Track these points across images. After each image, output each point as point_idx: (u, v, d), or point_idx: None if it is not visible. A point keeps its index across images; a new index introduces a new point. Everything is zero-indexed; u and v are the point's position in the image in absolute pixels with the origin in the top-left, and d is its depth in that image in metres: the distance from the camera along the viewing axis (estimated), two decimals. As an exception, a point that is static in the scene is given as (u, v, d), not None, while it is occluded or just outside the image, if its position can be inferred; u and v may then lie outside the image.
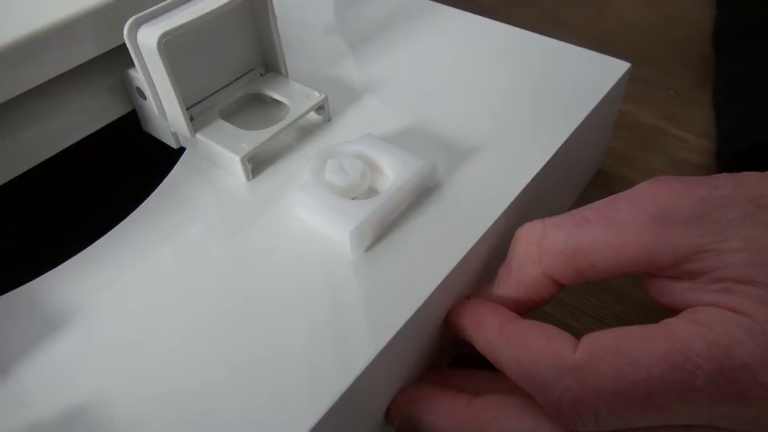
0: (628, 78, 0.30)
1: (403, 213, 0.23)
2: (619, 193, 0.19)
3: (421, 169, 0.23)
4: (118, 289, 0.21)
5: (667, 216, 0.17)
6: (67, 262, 0.22)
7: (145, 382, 0.18)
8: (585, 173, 0.33)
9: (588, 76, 0.29)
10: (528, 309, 0.21)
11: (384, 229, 0.22)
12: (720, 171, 0.23)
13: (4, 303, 0.20)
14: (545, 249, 0.19)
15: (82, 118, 0.25)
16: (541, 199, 0.26)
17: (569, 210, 0.20)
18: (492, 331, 0.19)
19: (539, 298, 0.20)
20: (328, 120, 0.27)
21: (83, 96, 0.25)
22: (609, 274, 0.18)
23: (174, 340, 0.19)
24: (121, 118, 0.27)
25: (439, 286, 0.20)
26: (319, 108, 0.26)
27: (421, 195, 0.23)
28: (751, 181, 0.18)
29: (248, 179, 0.24)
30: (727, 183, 0.18)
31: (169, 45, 0.22)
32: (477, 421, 0.19)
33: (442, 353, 0.24)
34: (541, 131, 0.26)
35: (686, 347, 0.16)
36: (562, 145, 0.25)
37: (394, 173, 0.23)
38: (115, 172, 0.28)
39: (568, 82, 0.28)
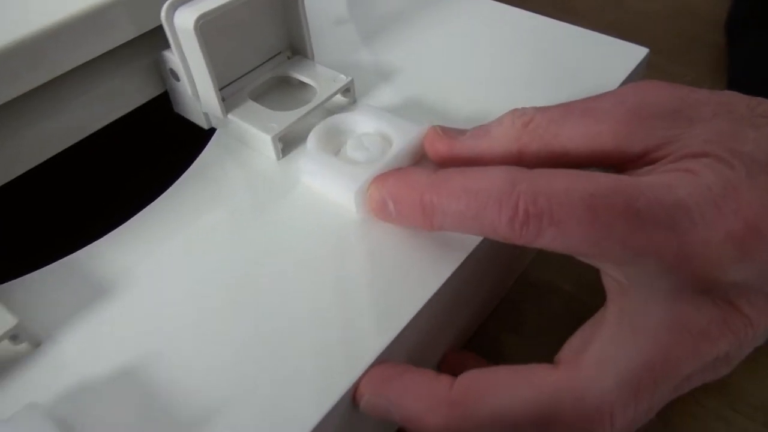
0: (645, 64, 0.30)
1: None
2: (607, 91, 0.20)
3: (419, 133, 0.23)
4: (157, 258, 0.22)
5: (642, 109, 0.19)
6: (109, 234, 0.23)
7: (183, 343, 0.19)
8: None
9: (607, 61, 0.29)
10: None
11: None
12: None
13: (53, 271, 0.21)
14: (528, 130, 0.20)
15: (116, 100, 0.26)
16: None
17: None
18: (421, 182, 0.20)
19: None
20: (353, 102, 0.28)
21: (117, 78, 0.26)
22: (579, 162, 0.19)
23: (209, 303, 0.20)
24: (152, 100, 0.27)
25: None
26: (345, 91, 0.27)
27: (421, 160, 0.24)
28: (728, 94, 0.19)
29: (278, 158, 0.25)
30: (704, 91, 0.19)
31: (204, 27, 0.23)
32: (463, 402, 0.18)
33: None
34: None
35: (633, 180, 0.17)
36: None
37: (395, 139, 0.24)
38: (149, 151, 0.29)
39: (587, 68, 0.29)
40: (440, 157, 0.22)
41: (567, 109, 0.20)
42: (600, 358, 0.18)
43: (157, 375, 0.19)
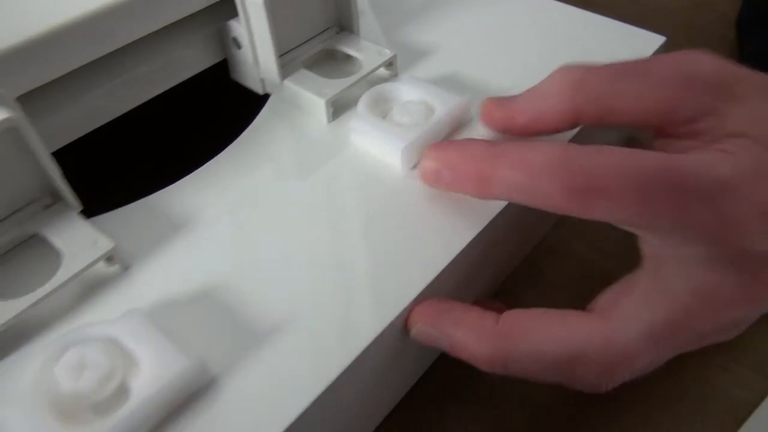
0: (663, 51, 0.33)
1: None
2: (653, 56, 0.22)
3: (459, 102, 0.26)
4: (225, 201, 0.25)
5: (692, 79, 0.20)
6: (180, 181, 0.26)
7: (251, 270, 0.22)
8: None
9: (624, 48, 0.32)
10: (531, 132, 0.23)
11: None
12: None
13: (134, 209, 0.24)
14: (581, 88, 0.21)
15: (180, 65, 0.29)
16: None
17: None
18: (480, 152, 0.21)
19: (553, 127, 0.22)
20: (395, 75, 0.30)
21: (182, 46, 0.29)
22: (627, 122, 0.21)
23: (272, 238, 0.23)
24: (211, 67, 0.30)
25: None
26: (389, 64, 0.30)
27: (459, 128, 0.27)
28: (766, 75, 0.21)
29: (329, 121, 0.28)
30: (747, 70, 0.20)
31: (270, 1, 0.26)
32: (507, 337, 0.20)
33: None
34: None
35: (680, 159, 0.19)
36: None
37: (437, 107, 0.27)
38: (209, 113, 0.32)
39: (604, 54, 0.32)
40: (499, 125, 0.23)
41: (619, 70, 0.21)
42: (630, 313, 0.20)
43: (231, 295, 0.21)
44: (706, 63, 0.20)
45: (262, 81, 0.30)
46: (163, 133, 0.32)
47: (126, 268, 0.22)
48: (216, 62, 0.30)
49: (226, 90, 0.31)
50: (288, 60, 0.29)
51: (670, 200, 0.18)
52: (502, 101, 0.23)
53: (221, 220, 0.24)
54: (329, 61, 0.32)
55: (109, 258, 0.21)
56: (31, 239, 0.22)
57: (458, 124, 0.27)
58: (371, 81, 0.30)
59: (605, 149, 0.19)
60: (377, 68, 0.29)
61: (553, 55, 0.32)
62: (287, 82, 0.28)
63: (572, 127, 0.22)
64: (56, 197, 0.23)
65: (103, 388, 0.18)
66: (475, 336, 0.21)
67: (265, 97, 0.30)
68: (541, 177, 0.19)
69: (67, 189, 0.22)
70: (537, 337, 0.20)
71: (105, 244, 0.21)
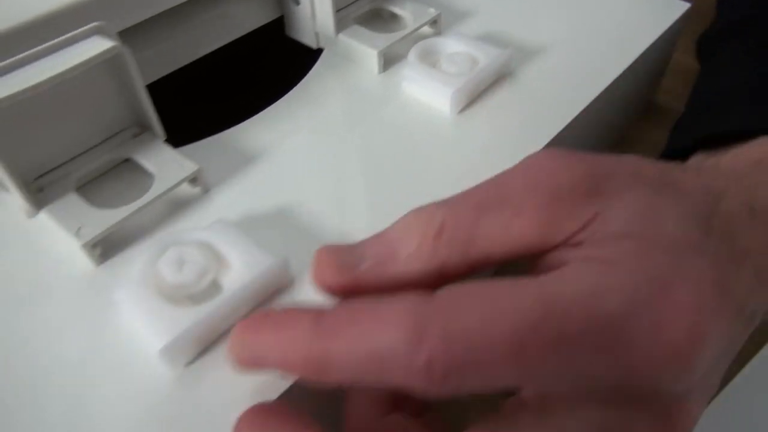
0: (687, 20, 0.35)
1: (486, 91, 0.29)
2: (510, 170, 0.18)
3: (502, 54, 0.29)
4: (290, 138, 0.27)
5: (558, 191, 0.17)
6: (248, 120, 0.28)
7: (315, 196, 0.25)
8: (634, 108, 0.39)
9: (650, 14, 0.34)
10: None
11: (475, 97, 0.29)
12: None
13: (211, 142, 0.27)
14: (443, 241, 0.17)
15: (242, 18, 0.32)
16: (594, 121, 0.32)
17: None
18: (306, 336, 0.16)
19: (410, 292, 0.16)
20: (438, 33, 0.33)
21: (242, 2, 0.31)
22: (500, 261, 0.17)
23: (332, 168, 0.26)
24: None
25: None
26: (433, 22, 0.32)
27: (500, 79, 0.30)
28: (634, 160, 0.18)
29: (380, 72, 0.31)
30: (611, 159, 0.18)
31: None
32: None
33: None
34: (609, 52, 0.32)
35: (559, 295, 0.15)
36: (631, 64, 0.31)
37: (480, 58, 0.29)
38: (266, 65, 0.35)
39: (631, 19, 0.34)
40: (337, 292, 0.18)
41: (478, 203, 0.17)
42: None
43: (300, 214, 0.24)
44: (564, 169, 0.17)
45: (317, 35, 0.32)
46: (226, 82, 0.34)
47: (206, 191, 0.25)
48: (273, 18, 0.33)
49: (282, 45, 0.34)
50: (342, 16, 0.32)
51: (555, 358, 0.15)
52: (339, 261, 0.18)
53: (286, 153, 0.27)
54: (376, 19, 0.34)
55: (194, 179, 0.24)
56: (122, 164, 0.25)
57: (499, 75, 0.29)
58: (416, 38, 0.33)
59: (461, 302, 0.15)
60: (423, 25, 0.32)
61: (585, 14, 0.34)
62: (342, 36, 0.31)
63: (435, 288, 0.16)
64: (144, 127, 0.25)
65: (200, 281, 0.20)
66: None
67: (318, 53, 0.33)
68: (391, 364, 0.15)
69: (156, 119, 0.25)
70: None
71: (190, 167, 0.24)
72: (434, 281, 0.17)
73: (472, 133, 0.27)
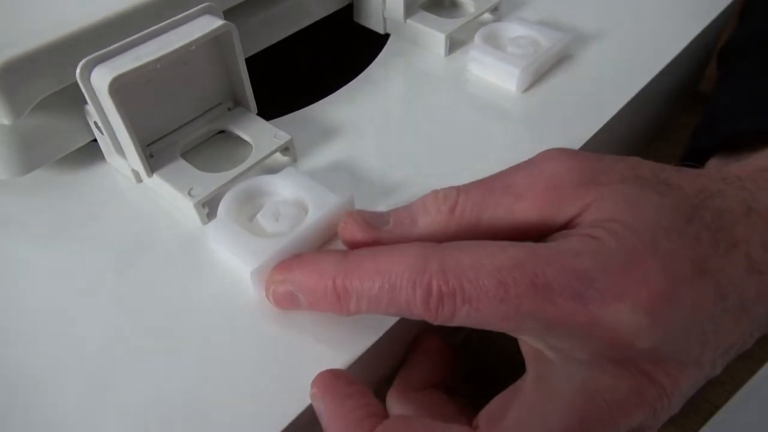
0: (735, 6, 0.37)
1: (548, 72, 0.31)
2: (518, 164, 0.20)
3: (563, 37, 0.31)
4: (363, 115, 0.30)
5: (559, 181, 0.19)
6: (326, 98, 0.30)
7: (392, 164, 0.27)
8: (680, 93, 0.40)
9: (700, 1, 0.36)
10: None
11: (538, 77, 0.31)
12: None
13: (293, 118, 0.29)
14: (456, 216, 0.20)
15: (316, 5, 0.34)
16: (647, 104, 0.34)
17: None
18: (331, 268, 0.19)
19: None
20: (498, 20, 0.35)
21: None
22: (504, 237, 0.19)
23: (400, 138, 0.28)
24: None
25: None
26: (494, 9, 0.34)
27: (560, 61, 0.31)
28: (633, 160, 0.20)
29: (446, 55, 0.33)
30: (610, 157, 0.20)
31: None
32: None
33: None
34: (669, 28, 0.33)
35: (545, 249, 0.18)
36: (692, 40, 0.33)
37: (541, 41, 0.31)
38: (336, 51, 0.37)
39: (679, 7, 0.36)
40: (359, 247, 0.20)
41: (488, 187, 0.20)
42: (517, 425, 0.18)
43: (372, 182, 0.26)
44: (567, 162, 0.19)
45: (385, 21, 0.34)
46: (301, 65, 0.36)
47: (295, 160, 0.27)
48: (343, 6, 0.35)
49: (351, 32, 0.36)
50: (409, 2, 0.34)
51: (532, 298, 0.17)
52: (367, 222, 0.21)
53: (362, 127, 0.29)
54: (438, 7, 0.36)
55: (286, 149, 0.26)
56: (217, 135, 0.27)
57: (560, 57, 0.31)
58: (477, 24, 0.35)
59: (461, 247, 0.18)
60: (485, 11, 0.34)
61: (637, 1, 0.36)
62: (410, 21, 0.33)
63: None
64: (237, 102, 0.28)
65: (293, 228, 0.22)
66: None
67: (384, 38, 0.35)
68: (399, 286, 0.18)
69: (251, 94, 0.27)
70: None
71: (283, 137, 0.26)
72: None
73: (536, 109, 0.29)
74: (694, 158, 0.29)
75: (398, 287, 0.18)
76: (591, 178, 0.19)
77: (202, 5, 0.24)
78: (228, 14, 0.28)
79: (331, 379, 0.19)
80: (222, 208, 0.23)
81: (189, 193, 0.24)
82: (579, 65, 0.32)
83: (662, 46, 0.33)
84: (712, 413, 0.25)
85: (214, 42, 0.25)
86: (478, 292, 0.17)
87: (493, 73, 0.31)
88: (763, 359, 0.26)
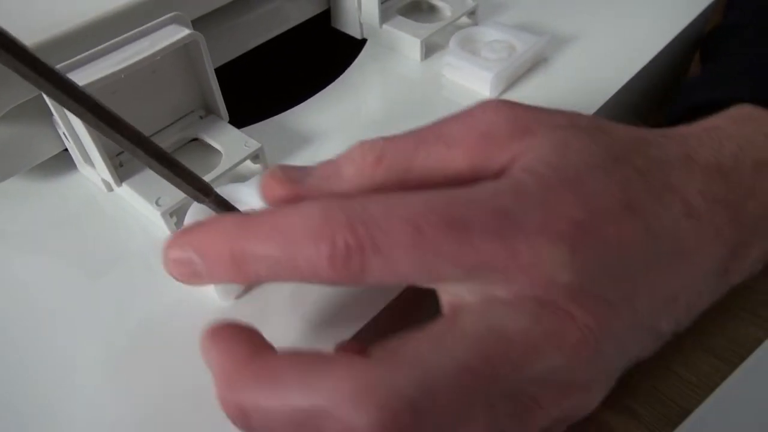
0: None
1: (523, 76, 0.31)
2: (454, 114, 0.19)
3: (539, 41, 0.31)
4: (339, 121, 0.30)
5: (492, 133, 0.18)
6: (298, 106, 0.30)
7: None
8: (662, 89, 0.40)
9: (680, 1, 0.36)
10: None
11: (513, 81, 0.30)
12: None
13: (267, 124, 0.29)
14: (383, 166, 0.18)
15: (291, 12, 0.34)
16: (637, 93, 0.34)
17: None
18: (228, 232, 0.17)
19: None
20: (476, 24, 0.35)
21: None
22: (435, 185, 0.18)
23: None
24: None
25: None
26: (471, 13, 0.34)
27: (535, 65, 0.31)
28: (570, 111, 0.20)
29: (422, 59, 0.33)
30: (547, 109, 0.19)
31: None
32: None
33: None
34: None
35: (464, 191, 0.17)
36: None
37: (518, 45, 0.31)
38: (313, 56, 0.37)
39: (657, 9, 0.36)
40: (281, 204, 0.19)
41: (418, 137, 0.19)
42: (415, 357, 0.15)
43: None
44: (500, 113, 0.19)
45: (362, 26, 0.34)
46: (277, 71, 0.36)
47: (266, 167, 0.27)
48: (320, 11, 0.35)
49: (327, 37, 0.36)
50: (386, 7, 0.34)
51: (450, 241, 0.15)
52: (288, 176, 0.19)
53: (337, 133, 0.29)
54: (415, 11, 0.36)
55: (256, 156, 0.26)
56: (191, 143, 0.28)
57: (536, 61, 0.31)
58: (454, 28, 0.35)
59: (379, 196, 0.16)
60: (461, 16, 0.34)
61: (616, 3, 0.36)
62: (386, 26, 0.33)
63: None
64: (209, 110, 0.28)
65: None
66: (221, 379, 0.16)
67: (361, 43, 0.35)
68: (299, 245, 0.16)
69: (222, 102, 0.27)
70: (276, 391, 0.15)
71: (254, 144, 0.26)
72: None
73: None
74: None
75: (297, 243, 0.16)
76: (525, 126, 0.18)
77: (169, 14, 0.24)
78: (201, 21, 0.29)
79: (218, 331, 0.17)
80: (189, 218, 0.23)
81: (156, 203, 0.24)
82: (554, 68, 0.32)
83: (639, 48, 0.33)
84: (683, 417, 0.25)
85: (183, 51, 0.25)
86: (389, 239, 0.15)
87: (467, 77, 0.31)
88: (736, 363, 0.26)
